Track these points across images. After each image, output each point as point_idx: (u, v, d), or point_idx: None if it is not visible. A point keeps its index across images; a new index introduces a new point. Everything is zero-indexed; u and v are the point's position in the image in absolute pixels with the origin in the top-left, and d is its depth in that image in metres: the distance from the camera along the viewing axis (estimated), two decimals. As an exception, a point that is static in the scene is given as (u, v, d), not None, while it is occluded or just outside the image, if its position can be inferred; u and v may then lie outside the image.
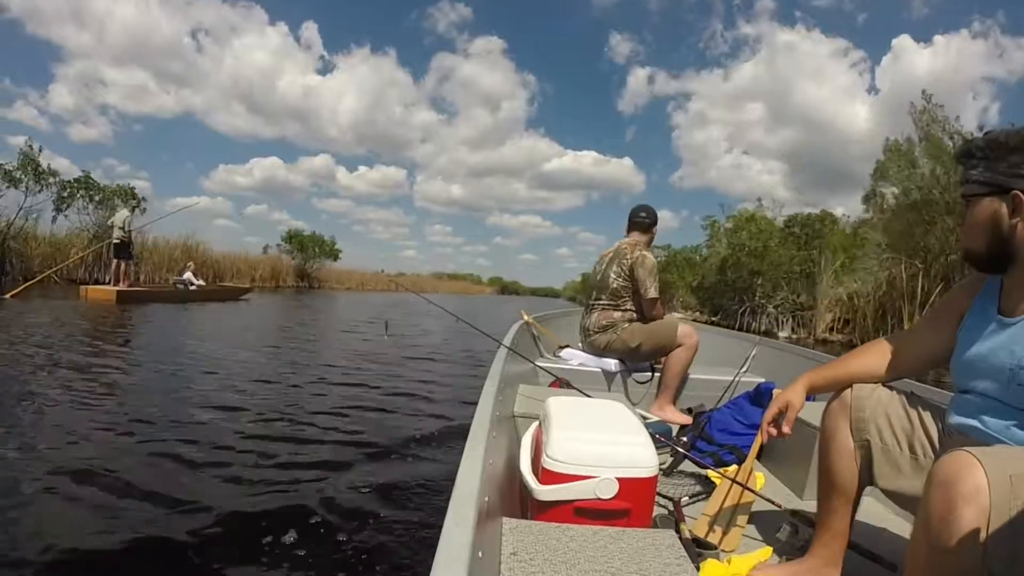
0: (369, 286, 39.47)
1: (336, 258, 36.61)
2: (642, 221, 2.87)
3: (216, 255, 24.46)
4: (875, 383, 1.14)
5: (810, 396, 1.21)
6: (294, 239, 34.01)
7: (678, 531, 1.23)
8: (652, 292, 2.67)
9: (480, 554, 0.65)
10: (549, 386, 2.26)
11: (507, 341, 2.29)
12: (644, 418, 2.11)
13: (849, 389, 1.12)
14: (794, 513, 1.34)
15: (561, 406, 1.24)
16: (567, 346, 2.96)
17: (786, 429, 1.16)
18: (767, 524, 1.43)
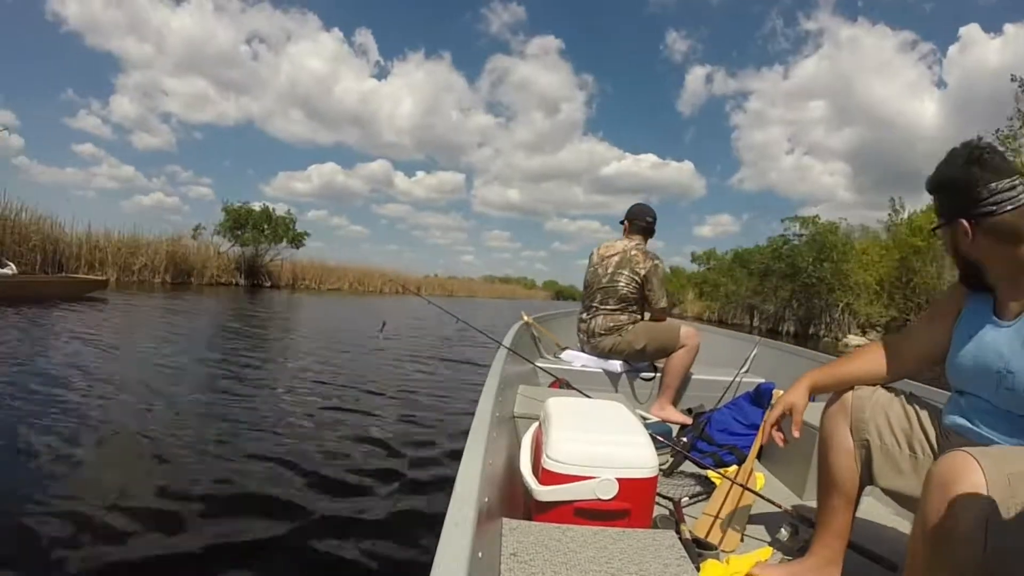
0: (371, 287, 31.29)
1: (298, 245, 25.69)
2: (648, 225, 2.85)
3: (76, 236, 16.49)
4: (877, 383, 1.15)
5: (811, 396, 1.21)
6: (230, 215, 22.97)
7: (678, 531, 1.23)
8: (663, 303, 2.76)
9: (480, 555, 0.65)
10: (549, 387, 2.26)
11: (507, 342, 2.29)
12: (644, 419, 2.11)
13: (849, 391, 1.13)
14: (794, 513, 1.34)
15: (561, 407, 1.24)
16: (567, 347, 2.96)
17: (795, 433, 1.16)
18: (767, 524, 1.43)
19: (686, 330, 2.64)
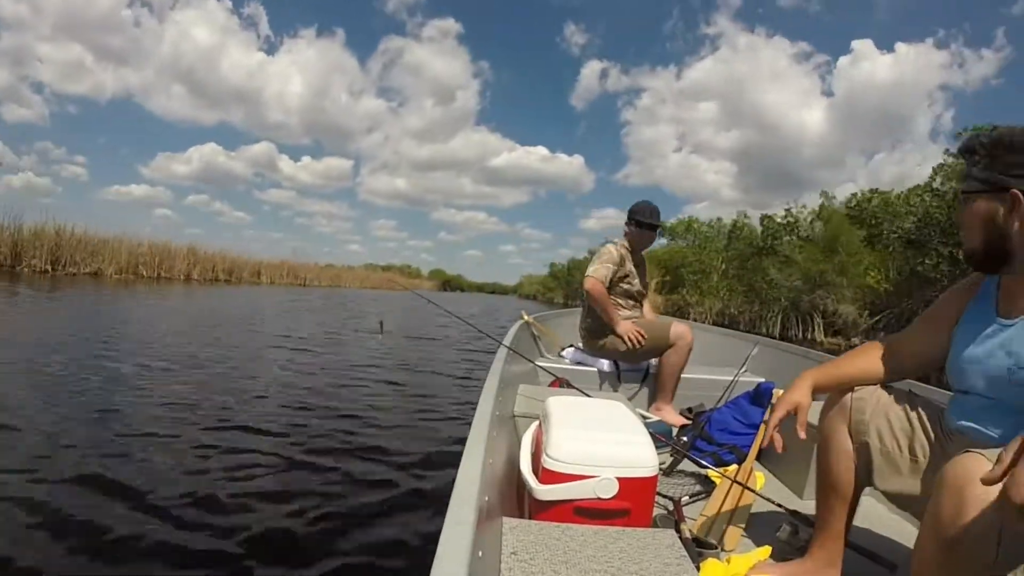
0: (168, 273, 20.58)
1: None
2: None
3: None
4: (875, 383, 1.14)
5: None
6: None
7: (678, 531, 1.23)
8: (589, 271, 2.73)
9: (480, 554, 0.65)
10: (549, 386, 2.26)
11: (507, 341, 2.29)
12: (644, 418, 2.11)
13: (849, 391, 1.12)
14: (794, 513, 1.34)
15: (561, 406, 1.24)
16: (569, 346, 2.97)
17: (801, 434, 1.14)
18: (767, 524, 1.43)
19: (677, 328, 2.61)
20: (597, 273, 2.70)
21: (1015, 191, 0.90)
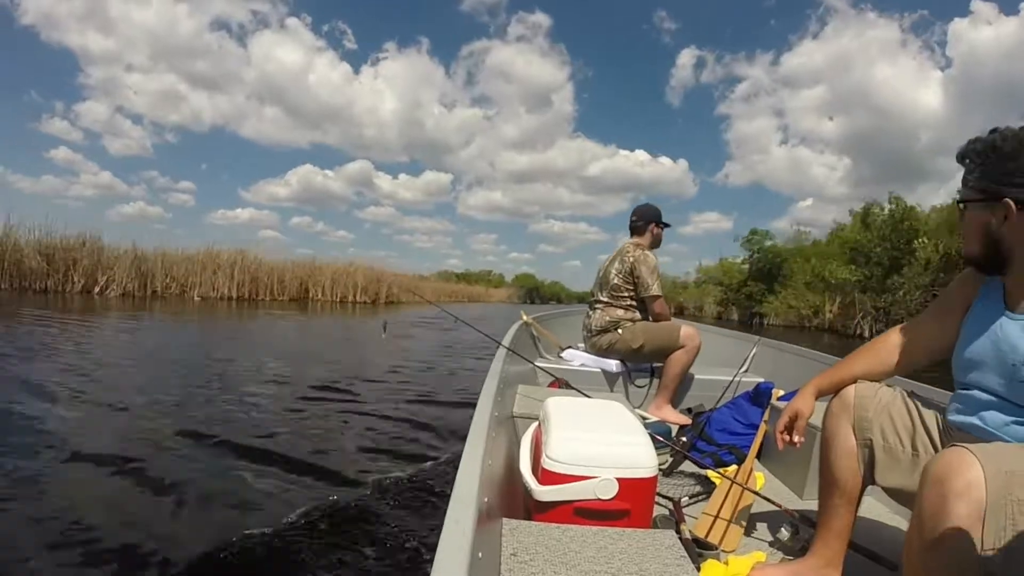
0: None
1: None
2: (634, 224, 2.88)
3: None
4: (886, 377, 1.15)
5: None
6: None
7: (678, 531, 1.23)
8: (654, 289, 2.71)
9: (480, 554, 0.64)
10: (548, 387, 2.26)
11: (506, 342, 2.29)
12: (643, 418, 2.11)
13: (850, 388, 1.12)
14: (794, 513, 1.34)
15: (560, 406, 1.23)
16: (568, 347, 2.96)
17: (796, 438, 1.17)
18: (767, 524, 1.42)
19: (686, 330, 2.63)
20: (662, 291, 2.75)
21: (1007, 200, 0.92)
